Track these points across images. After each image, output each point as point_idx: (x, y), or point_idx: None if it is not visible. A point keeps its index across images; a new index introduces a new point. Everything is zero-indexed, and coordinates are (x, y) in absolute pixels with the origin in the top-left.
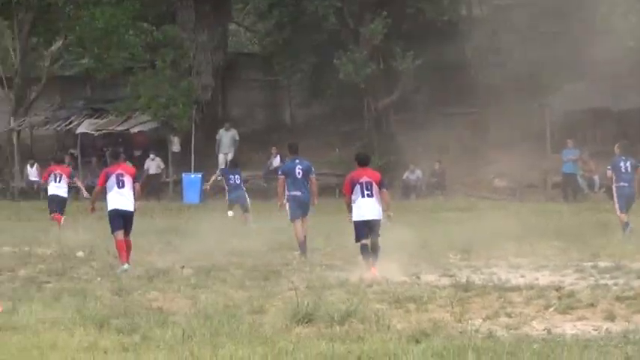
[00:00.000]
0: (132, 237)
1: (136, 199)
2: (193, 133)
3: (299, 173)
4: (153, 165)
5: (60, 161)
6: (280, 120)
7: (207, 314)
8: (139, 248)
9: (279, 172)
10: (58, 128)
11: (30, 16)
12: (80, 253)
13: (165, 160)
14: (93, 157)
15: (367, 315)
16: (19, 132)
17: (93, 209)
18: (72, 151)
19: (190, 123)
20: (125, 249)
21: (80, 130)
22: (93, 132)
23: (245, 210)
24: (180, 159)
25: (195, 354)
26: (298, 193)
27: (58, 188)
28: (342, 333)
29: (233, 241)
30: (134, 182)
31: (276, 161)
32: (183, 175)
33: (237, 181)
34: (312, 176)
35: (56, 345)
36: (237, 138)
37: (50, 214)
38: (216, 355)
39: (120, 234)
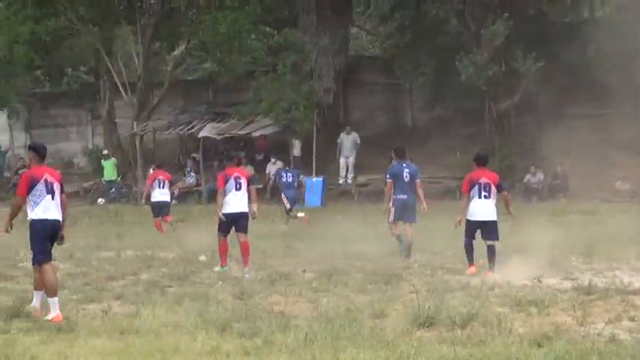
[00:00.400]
0: (254, 241)
1: (252, 202)
2: (314, 136)
3: (406, 177)
4: (274, 169)
5: (162, 167)
6: (401, 123)
7: (329, 318)
8: (261, 252)
9: (387, 176)
10: (181, 132)
11: (153, 21)
12: (202, 257)
13: (286, 164)
14: (215, 161)
15: (489, 318)
16: (142, 136)
17: (219, 212)
18: (194, 155)
19: (312, 126)
20: (226, 252)
21: (202, 134)
22: (215, 136)
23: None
24: (301, 162)
25: (316, 358)
26: (404, 197)
27: (162, 194)
28: (463, 337)
29: (354, 245)
30: (249, 185)
31: None
32: (305, 178)
33: (290, 179)
34: (418, 180)
35: (178, 349)
36: (359, 141)
37: (155, 217)
38: (338, 359)
39: (224, 237)
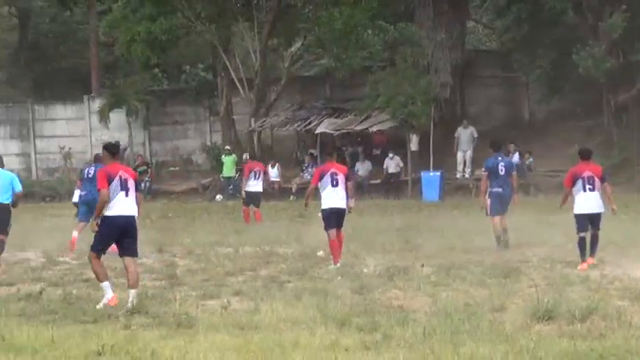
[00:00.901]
0: (372, 235)
1: (350, 197)
2: (432, 131)
3: (501, 170)
4: (392, 164)
5: (255, 158)
6: (519, 117)
7: (448, 312)
8: (379, 246)
9: (483, 169)
10: (298, 128)
11: (270, 17)
12: (321, 253)
13: (404, 159)
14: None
15: (608, 312)
16: (259, 133)
17: (306, 205)
18: (311, 150)
19: (429, 121)
20: (338, 248)
21: (320, 129)
22: (332, 131)
23: None
24: (418, 157)
25: (435, 352)
26: (500, 190)
27: (255, 185)
28: (583, 330)
29: (473, 239)
30: (347, 181)
31: (515, 158)
32: (422, 173)
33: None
34: (514, 173)
35: (298, 344)
36: (476, 135)
37: (245, 207)
38: (457, 353)
39: (333, 233)
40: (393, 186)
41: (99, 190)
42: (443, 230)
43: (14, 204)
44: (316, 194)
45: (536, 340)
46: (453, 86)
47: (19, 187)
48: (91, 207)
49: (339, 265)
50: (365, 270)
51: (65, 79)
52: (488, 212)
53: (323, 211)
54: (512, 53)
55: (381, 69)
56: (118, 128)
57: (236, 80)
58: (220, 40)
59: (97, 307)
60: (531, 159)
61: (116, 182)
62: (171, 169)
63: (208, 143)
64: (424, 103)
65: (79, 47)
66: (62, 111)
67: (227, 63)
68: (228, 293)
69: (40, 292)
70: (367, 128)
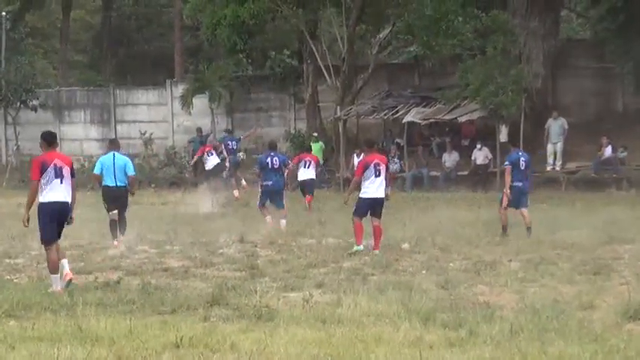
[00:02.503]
0: (459, 228)
1: (387, 186)
2: (522, 122)
3: (522, 164)
4: (480, 155)
5: (309, 150)
6: (612, 109)
7: (535, 309)
8: (465, 240)
9: (506, 163)
10: (385, 117)
11: (358, 3)
12: (405, 245)
13: (492, 150)
14: (419, 147)
15: None
16: (345, 121)
17: (346, 202)
18: (398, 140)
19: (519, 112)
20: (362, 231)
21: (407, 119)
22: (420, 121)
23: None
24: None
25: (522, 350)
26: (520, 184)
27: (305, 173)
28: None
29: (562, 234)
30: (387, 171)
31: (608, 151)
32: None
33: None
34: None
35: (381, 339)
36: (566, 127)
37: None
38: (544, 352)
39: (359, 219)
40: (481, 178)
41: (31, 180)
42: (532, 224)
43: (131, 188)
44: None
45: (627, 340)
46: (544, 76)
47: (131, 171)
48: None
49: (362, 247)
50: (451, 264)
51: (148, 64)
52: (504, 205)
53: (363, 199)
54: (606, 43)
55: (471, 57)
56: (201, 114)
57: (322, 67)
58: (307, 25)
59: (49, 290)
60: (625, 152)
61: (51, 170)
62: (254, 156)
63: (292, 131)
64: (515, 93)
65: (162, 31)
66: (144, 96)
67: (313, 49)
68: (310, 286)
69: (118, 282)
70: (456, 118)
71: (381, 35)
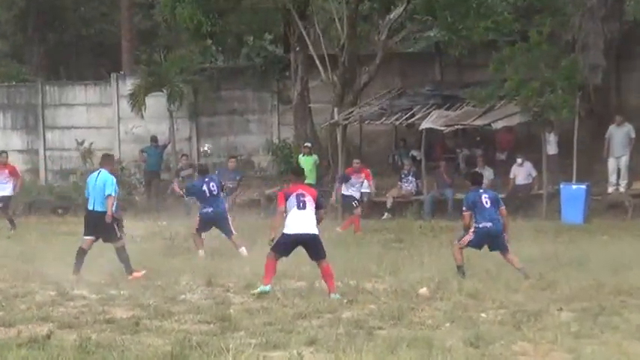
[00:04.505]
0: (493, 267)
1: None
2: (576, 129)
3: (486, 202)
4: (521, 172)
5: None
6: None
7: None
8: (503, 283)
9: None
10: (397, 122)
11: None
12: (423, 290)
13: (537, 166)
14: (441, 161)
15: None
16: (345, 127)
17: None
18: (414, 152)
19: (573, 116)
20: (271, 272)
21: (425, 125)
22: (442, 127)
23: None
24: (558, 164)
25: None
26: (489, 224)
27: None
28: None
29: (628, 276)
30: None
31: None
32: (562, 185)
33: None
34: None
35: None
36: (633, 135)
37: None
38: None
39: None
40: (522, 201)
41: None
42: (588, 262)
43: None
44: None
45: None
46: (605, 70)
47: (109, 190)
48: None
49: (268, 287)
50: (483, 315)
51: (86, 52)
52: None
53: (285, 235)
54: None
55: (510, 44)
56: (156, 118)
57: (315, 57)
58: (295, 2)
59: None
60: None
61: None
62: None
63: (275, 140)
64: (567, 92)
65: (105, 10)
66: (81, 94)
67: (303, 33)
68: (299, 342)
69: (48, 337)
70: (489, 124)
71: (391, 16)
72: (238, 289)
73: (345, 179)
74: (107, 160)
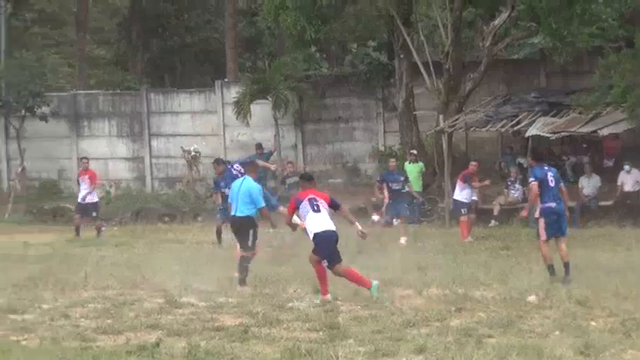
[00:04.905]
0: (602, 275)
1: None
2: None
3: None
4: (629, 179)
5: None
6: None
7: None
8: (611, 291)
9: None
10: (502, 129)
11: None
12: (532, 298)
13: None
14: None
15: None
16: (450, 134)
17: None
18: (520, 160)
19: None
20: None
21: (531, 131)
22: (548, 134)
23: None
24: None
25: None
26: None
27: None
28: None
29: None
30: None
31: None
32: None
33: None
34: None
35: None
36: None
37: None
38: None
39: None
40: (631, 209)
41: None
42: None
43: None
44: None
45: None
46: None
47: (259, 202)
48: None
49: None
50: (592, 323)
51: (191, 60)
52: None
53: (318, 234)
54: None
55: (616, 50)
56: (262, 125)
57: (419, 64)
58: (399, 9)
59: None
60: None
61: None
62: (331, 181)
63: (381, 147)
64: None
65: (210, 17)
66: (187, 101)
67: (407, 40)
68: (407, 351)
69: (157, 344)
70: (596, 131)
71: (496, 22)
72: (346, 296)
73: (466, 179)
74: (251, 168)
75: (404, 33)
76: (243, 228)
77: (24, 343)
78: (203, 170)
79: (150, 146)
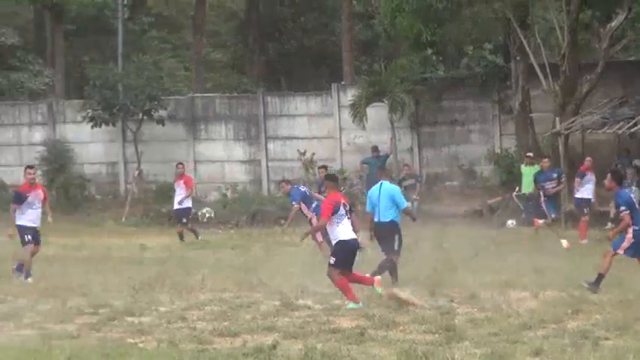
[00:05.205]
0: None
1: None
2: None
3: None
4: None
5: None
6: None
7: None
8: None
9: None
10: (619, 131)
11: None
12: None
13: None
14: None
15: None
16: (567, 137)
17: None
18: (637, 162)
19: None
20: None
21: None
22: None
23: None
24: None
25: None
26: None
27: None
28: None
29: None
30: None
31: None
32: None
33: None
34: None
35: None
36: None
37: None
38: None
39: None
40: None
41: None
42: None
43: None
44: None
45: None
46: None
47: (402, 203)
48: None
49: (361, 303)
50: None
51: (307, 63)
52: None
53: (343, 242)
54: None
55: None
56: (378, 128)
57: (536, 66)
58: (516, 11)
59: None
60: None
61: None
62: (448, 183)
63: (497, 150)
64: None
65: (326, 20)
66: (303, 104)
67: (524, 42)
68: (524, 353)
69: (274, 347)
70: None
71: (612, 24)
72: (463, 299)
73: (580, 176)
74: (384, 172)
75: (520, 35)
76: (389, 233)
77: (141, 345)
78: (319, 174)
79: (266, 149)
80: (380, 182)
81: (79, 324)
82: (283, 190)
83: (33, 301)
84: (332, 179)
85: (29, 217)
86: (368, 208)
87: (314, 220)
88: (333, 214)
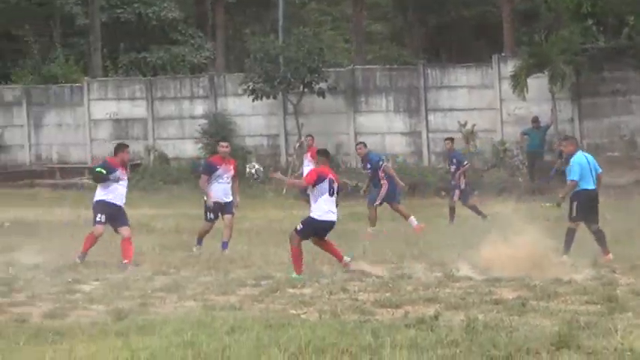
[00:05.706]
0: None
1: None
2: None
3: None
4: None
5: None
6: None
7: None
8: None
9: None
10: None
11: None
12: None
13: None
14: None
15: None
16: None
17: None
18: None
19: None
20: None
21: None
22: None
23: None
24: None
25: None
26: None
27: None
28: None
29: None
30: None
31: None
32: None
33: None
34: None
35: None
36: None
37: None
38: None
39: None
40: None
41: None
42: None
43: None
44: None
45: None
46: None
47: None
48: None
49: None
50: None
51: (467, 35)
52: None
53: (315, 220)
54: None
55: None
56: (538, 99)
57: None
58: None
59: None
60: None
61: None
62: (609, 154)
63: None
64: None
65: None
66: (463, 76)
67: None
68: None
69: (436, 317)
70: None
71: None
72: (625, 270)
73: None
74: (573, 142)
75: None
76: (597, 202)
77: (303, 316)
78: (480, 145)
79: (427, 121)
80: (580, 151)
81: (241, 295)
82: (359, 152)
83: (195, 273)
84: (323, 154)
85: (217, 192)
86: (575, 177)
87: (384, 188)
88: (314, 185)
